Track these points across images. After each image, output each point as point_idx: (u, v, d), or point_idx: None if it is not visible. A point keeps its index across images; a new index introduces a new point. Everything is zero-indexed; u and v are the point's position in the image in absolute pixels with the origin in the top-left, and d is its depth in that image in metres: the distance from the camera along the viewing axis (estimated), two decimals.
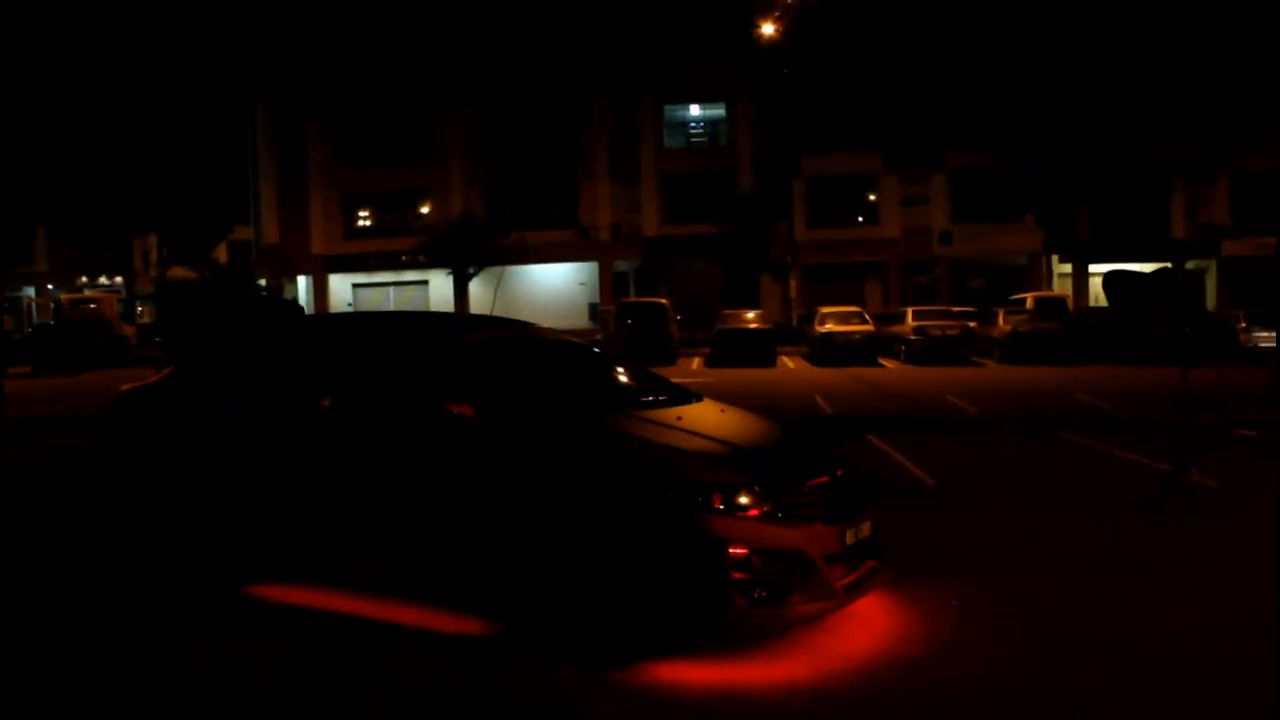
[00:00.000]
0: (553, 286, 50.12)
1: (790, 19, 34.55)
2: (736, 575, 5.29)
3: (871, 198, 49.43)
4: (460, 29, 45.52)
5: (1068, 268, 48.96)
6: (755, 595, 5.32)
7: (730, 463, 5.64)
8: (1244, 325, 32.88)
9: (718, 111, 50.29)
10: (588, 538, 5.47)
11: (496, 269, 47.65)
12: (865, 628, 5.97)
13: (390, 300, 50.89)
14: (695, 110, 50.78)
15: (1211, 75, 43.26)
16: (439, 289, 49.75)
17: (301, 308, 9.45)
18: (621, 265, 50.03)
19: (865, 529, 5.98)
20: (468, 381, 6.12)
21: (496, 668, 5.37)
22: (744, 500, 5.41)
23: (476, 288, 48.56)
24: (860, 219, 49.41)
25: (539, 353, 7.29)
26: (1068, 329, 30.77)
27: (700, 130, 51.11)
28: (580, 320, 47.84)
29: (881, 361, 30.14)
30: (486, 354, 6.62)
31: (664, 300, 32.62)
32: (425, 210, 50.59)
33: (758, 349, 29.74)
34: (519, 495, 5.67)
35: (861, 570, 5.85)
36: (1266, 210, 47.01)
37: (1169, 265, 37.88)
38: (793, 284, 41.16)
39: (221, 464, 6.82)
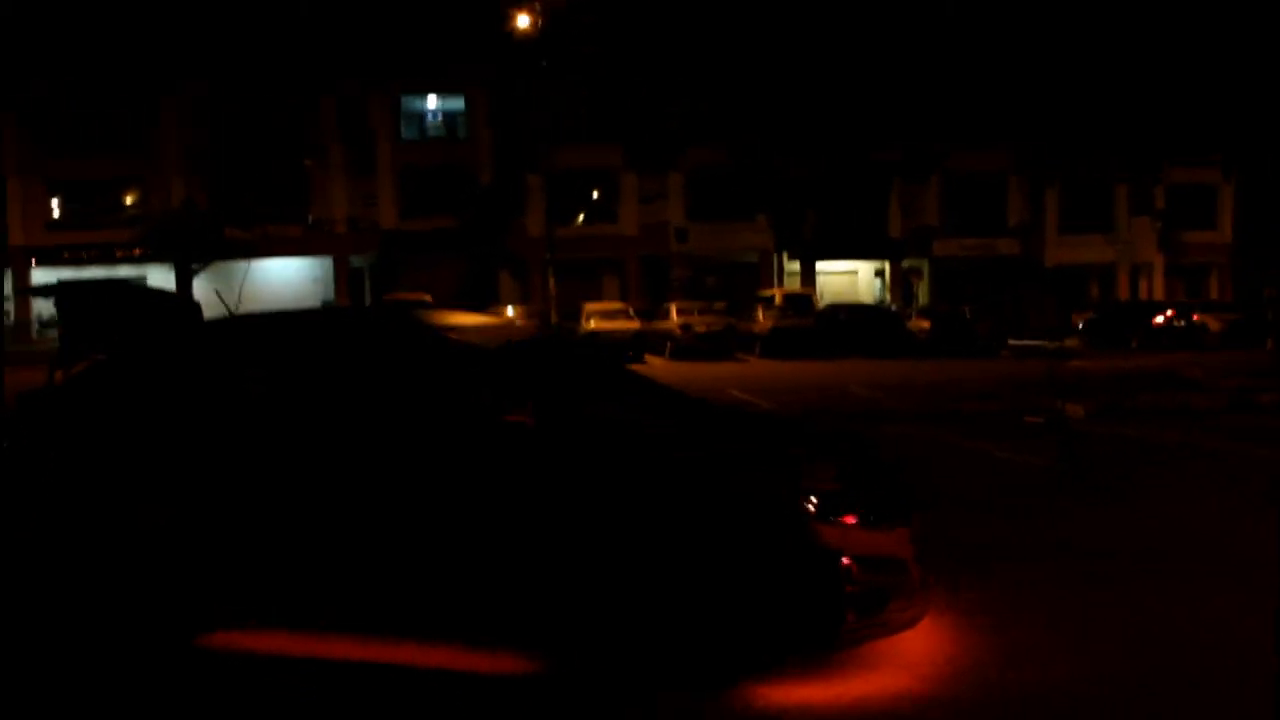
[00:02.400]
0: (285, 282, 47.40)
1: (540, 13, 34.11)
2: (848, 588, 4.83)
3: (609, 194, 49.67)
4: (183, 7, 42.32)
5: (796, 265, 50.97)
6: (862, 606, 4.89)
7: (820, 467, 5.16)
8: (970, 320, 35.04)
9: (457, 104, 49.15)
10: (666, 557, 4.84)
11: (225, 264, 44.53)
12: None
13: None
14: (433, 102, 49.42)
15: (925, 80, 46.14)
16: (159, 285, 46.04)
17: (198, 305, 7.99)
18: (357, 260, 48.07)
19: None
20: (523, 388, 5.30)
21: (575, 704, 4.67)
22: (844, 507, 4.96)
23: (201, 284, 45.25)
24: (599, 214, 49.52)
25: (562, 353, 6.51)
26: (821, 325, 31.89)
27: (439, 122, 49.79)
28: None
29: (647, 359, 30.20)
30: (534, 357, 5.82)
31: (428, 297, 31.48)
32: (140, 200, 46.72)
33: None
34: (586, 513, 4.94)
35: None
36: (969, 213, 50.75)
37: None
38: (550, 281, 40.73)
39: (188, 485, 5.57)
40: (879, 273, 52.77)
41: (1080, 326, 37.90)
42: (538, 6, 33.59)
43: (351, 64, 44.52)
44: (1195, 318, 36.09)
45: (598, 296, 45.95)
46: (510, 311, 31.73)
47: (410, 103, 48.88)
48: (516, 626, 5.11)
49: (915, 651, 5.31)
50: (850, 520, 4.97)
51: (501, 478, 5.06)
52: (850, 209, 49.98)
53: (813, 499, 4.92)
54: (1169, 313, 37.30)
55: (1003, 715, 4.73)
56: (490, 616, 5.13)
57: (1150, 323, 35.93)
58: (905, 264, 51.48)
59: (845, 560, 4.87)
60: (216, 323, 6.47)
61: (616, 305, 33.06)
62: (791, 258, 50.91)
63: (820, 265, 51.10)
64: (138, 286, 6.84)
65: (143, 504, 5.52)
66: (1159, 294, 49.80)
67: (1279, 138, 46.56)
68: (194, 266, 44.25)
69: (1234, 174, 50.59)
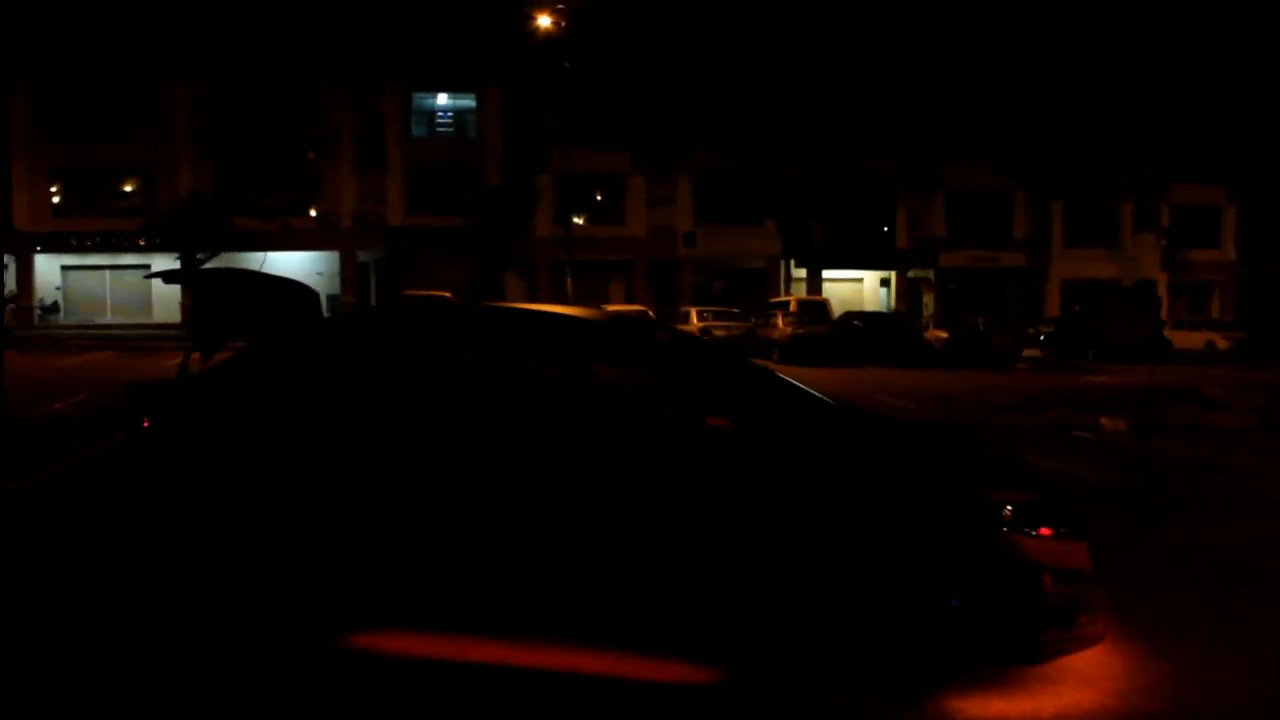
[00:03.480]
0: (290, 276, 47.17)
1: (560, 13, 34.04)
2: (1049, 601, 4.76)
3: (617, 197, 49.62)
4: None
5: (803, 272, 51.03)
6: (1059, 620, 4.83)
7: (1014, 479, 5.10)
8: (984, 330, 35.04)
9: (468, 102, 49.03)
10: (867, 567, 4.76)
11: (231, 255, 44.28)
12: None
13: (107, 285, 46.40)
14: (444, 100, 49.28)
15: (931, 97, 46.28)
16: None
17: (316, 293, 7.90)
18: (364, 256, 47.90)
19: None
20: (722, 390, 5.22)
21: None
22: (1039, 519, 4.90)
23: None
24: (608, 217, 49.47)
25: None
26: (839, 332, 31.85)
27: (449, 120, 49.65)
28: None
29: None
30: (721, 357, 5.75)
31: (448, 294, 31.35)
32: (147, 188, 46.40)
33: None
34: (783, 520, 4.85)
35: None
36: (975, 226, 50.94)
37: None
38: (568, 282, 40.67)
39: (345, 481, 5.45)
40: (884, 282, 52.86)
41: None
42: (559, 6, 33.45)
43: (364, 58, 44.33)
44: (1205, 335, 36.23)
45: (604, 299, 45.91)
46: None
47: (421, 99, 48.75)
48: (700, 634, 5.01)
49: (1094, 667, 5.23)
50: (1046, 532, 4.90)
51: (702, 482, 4.97)
52: (857, 218, 50.11)
53: (1008, 509, 4.86)
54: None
55: None
56: (673, 622, 5.03)
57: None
58: (912, 274, 51.62)
59: (1045, 574, 4.80)
60: (394, 310, 6.37)
61: (637, 307, 32.97)
62: (798, 265, 50.97)
63: (826, 273, 51.18)
64: (264, 275, 6.71)
65: (294, 499, 5.40)
66: (1163, 311, 49.94)
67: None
68: (199, 256, 43.97)
69: (1238, 194, 50.82)
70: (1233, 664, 5.44)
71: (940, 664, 4.81)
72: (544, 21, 33.77)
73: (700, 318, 31.82)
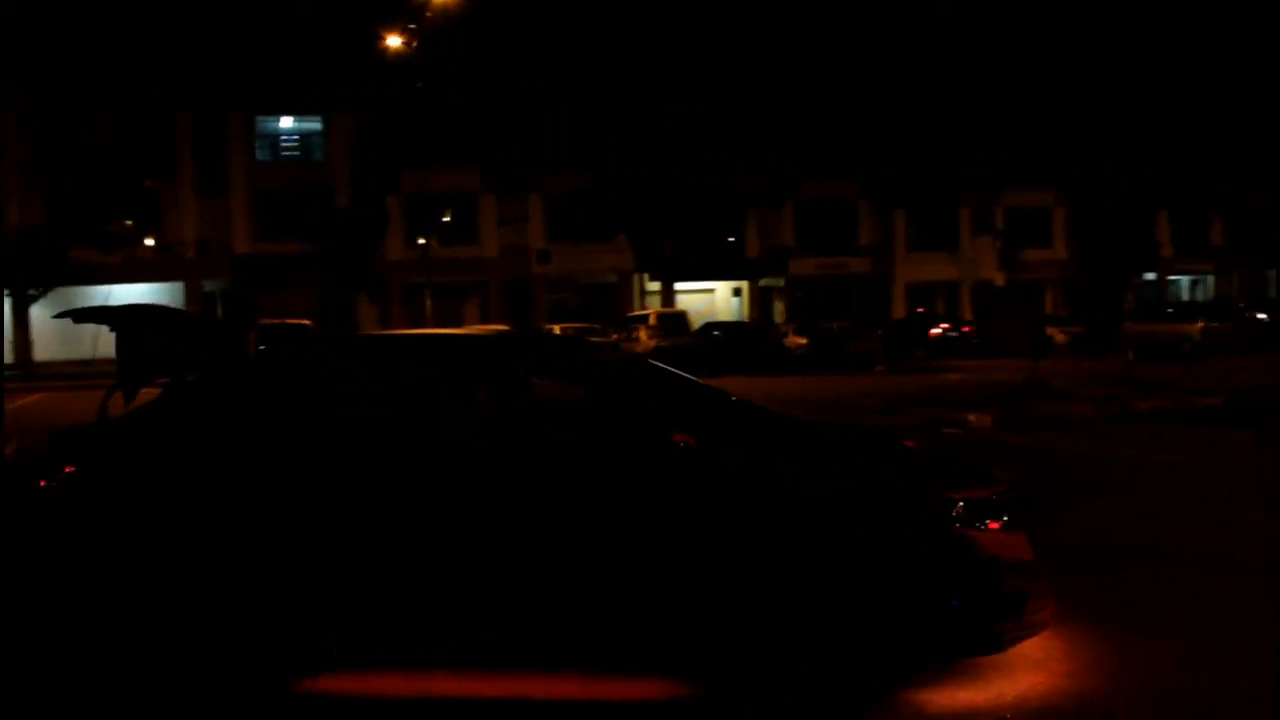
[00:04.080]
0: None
1: (410, 34, 33.68)
2: (1005, 592, 4.96)
3: (469, 216, 49.24)
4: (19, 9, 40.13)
5: (656, 285, 51.51)
6: (1014, 609, 5.03)
7: (960, 476, 5.29)
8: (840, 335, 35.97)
9: (314, 125, 48.03)
10: (832, 571, 4.88)
11: (67, 290, 42.29)
12: None
13: None
14: (289, 123, 48.17)
15: (779, 109, 47.41)
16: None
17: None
18: (209, 285, 46.39)
19: None
20: (686, 406, 5.26)
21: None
22: (989, 512, 5.10)
23: (38, 312, 42.86)
24: (460, 238, 48.99)
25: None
26: (700, 342, 32.30)
27: (294, 144, 48.54)
28: None
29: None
30: (674, 375, 5.78)
31: (307, 322, 30.65)
32: None
33: None
34: (751, 529, 4.93)
35: None
36: (823, 234, 52.32)
37: None
38: (428, 304, 40.13)
39: (297, 518, 5.32)
40: (736, 291, 53.75)
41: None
42: (409, 27, 33.13)
43: (205, 80, 43.01)
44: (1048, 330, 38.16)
45: (459, 320, 45.57)
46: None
47: (265, 123, 47.55)
48: (668, 648, 5.05)
49: (1037, 652, 5.46)
50: (995, 526, 5.10)
51: (674, 498, 5.01)
52: (708, 230, 50.80)
53: (960, 506, 5.04)
54: (945, 326, 42.10)
55: (1159, 708, 4.92)
56: (639, 639, 5.07)
57: (928, 335, 38.50)
58: (763, 283, 52.65)
59: (995, 565, 5.00)
60: (334, 341, 6.21)
61: (502, 327, 32.68)
62: (652, 278, 51.43)
63: (679, 285, 51.79)
64: (176, 311, 6.36)
65: (247, 539, 5.26)
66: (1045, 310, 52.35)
67: (1105, 162, 49.55)
68: (31, 293, 41.87)
69: (1066, 197, 53.40)
70: (1154, 639, 5.76)
71: (905, 659, 4.96)
72: (394, 42, 33.34)
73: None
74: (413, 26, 32.01)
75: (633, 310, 47.77)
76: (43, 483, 5.64)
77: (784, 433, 5.60)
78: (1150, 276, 54.97)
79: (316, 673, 5.24)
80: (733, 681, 4.97)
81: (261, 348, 24.98)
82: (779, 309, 52.99)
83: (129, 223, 44.46)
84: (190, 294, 45.71)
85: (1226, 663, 5.40)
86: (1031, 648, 5.48)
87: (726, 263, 51.95)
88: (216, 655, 5.28)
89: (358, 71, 42.44)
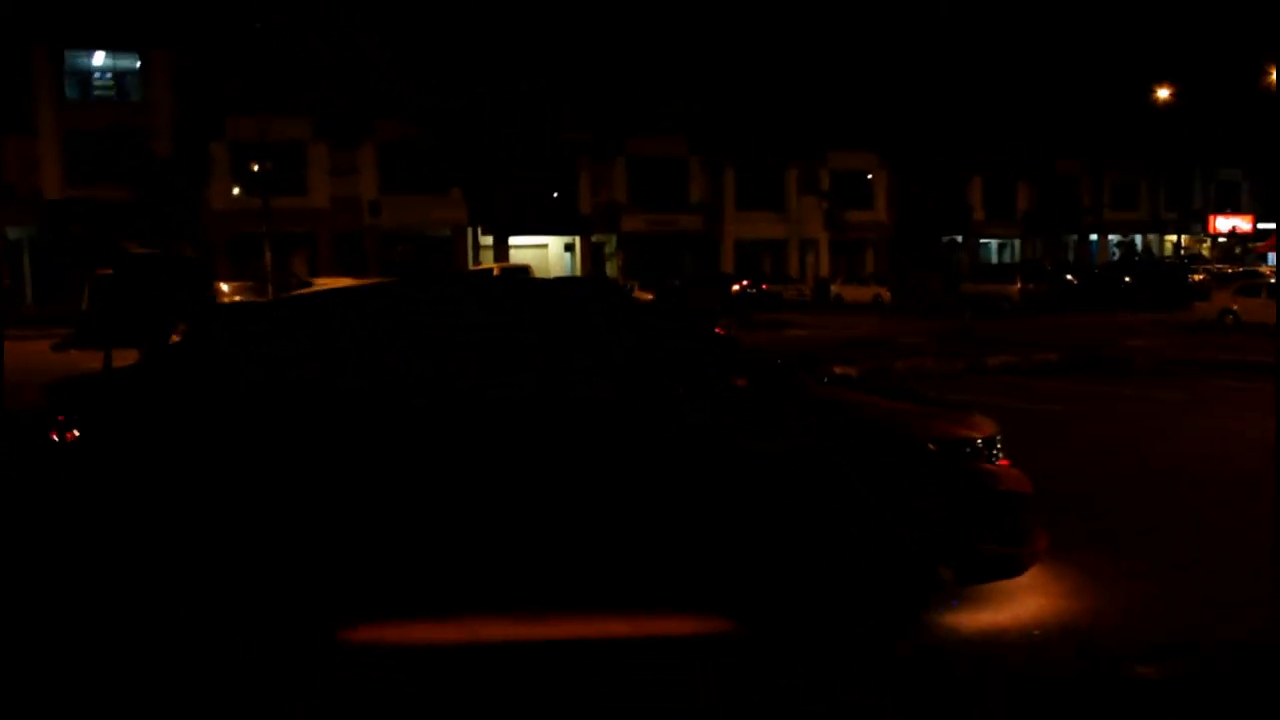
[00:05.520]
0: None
1: None
2: (1020, 522, 5.41)
3: (298, 166, 47.68)
4: None
5: (490, 239, 51.11)
6: (1028, 538, 5.48)
7: (972, 416, 5.69)
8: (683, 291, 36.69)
9: (130, 63, 45.45)
10: (872, 505, 5.20)
11: None
12: None
13: None
14: (102, 59, 45.43)
15: (612, 67, 47.59)
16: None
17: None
18: (15, 233, 43.61)
19: None
20: (729, 350, 5.43)
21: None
22: (998, 450, 5.52)
23: None
24: (289, 188, 47.32)
25: None
26: None
27: (108, 82, 45.83)
28: None
29: None
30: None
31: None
32: None
33: None
34: (802, 467, 5.18)
35: None
36: (654, 191, 52.92)
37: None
38: (267, 255, 38.70)
39: (332, 470, 5.23)
40: (568, 247, 53.82)
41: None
42: None
43: (10, 11, 40.17)
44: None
45: (289, 273, 44.21)
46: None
47: (75, 58, 44.71)
48: (713, 584, 5.25)
49: (1026, 580, 5.93)
50: (1005, 463, 5.53)
51: (736, 439, 5.17)
52: (542, 185, 50.64)
53: (978, 443, 5.44)
54: (744, 283, 43.43)
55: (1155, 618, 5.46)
56: (685, 577, 5.24)
57: (730, 291, 40.45)
58: (595, 239, 52.89)
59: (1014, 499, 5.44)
60: (340, 293, 6.11)
61: (348, 280, 31.93)
62: (485, 233, 50.96)
63: (512, 240, 51.53)
64: (171, 256, 5.97)
65: (281, 491, 5.20)
66: (825, 268, 53.95)
67: (926, 128, 51.65)
68: None
69: (888, 160, 55.41)
70: (1122, 561, 6.36)
71: (931, 586, 5.33)
72: None
73: None
74: None
75: (468, 265, 47.41)
76: (54, 435, 5.42)
77: (810, 379, 5.88)
78: (960, 239, 57.69)
79: (361, 622, 5.24)
80: (776, 615, 5.23)
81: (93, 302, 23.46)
82: (611, 266, 53.34)
83: None
84: None
85: (1186, 575, 6.02)
86: (1023, 578, 5.96)
87: (559, 218, 51.92)
88: (260, 607, 5.21)
89: (180, 6, 40.51)
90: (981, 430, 5.57)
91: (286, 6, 41.45)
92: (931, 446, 5.34)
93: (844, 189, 54.80)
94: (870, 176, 56.30)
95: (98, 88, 45.70)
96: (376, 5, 43.16)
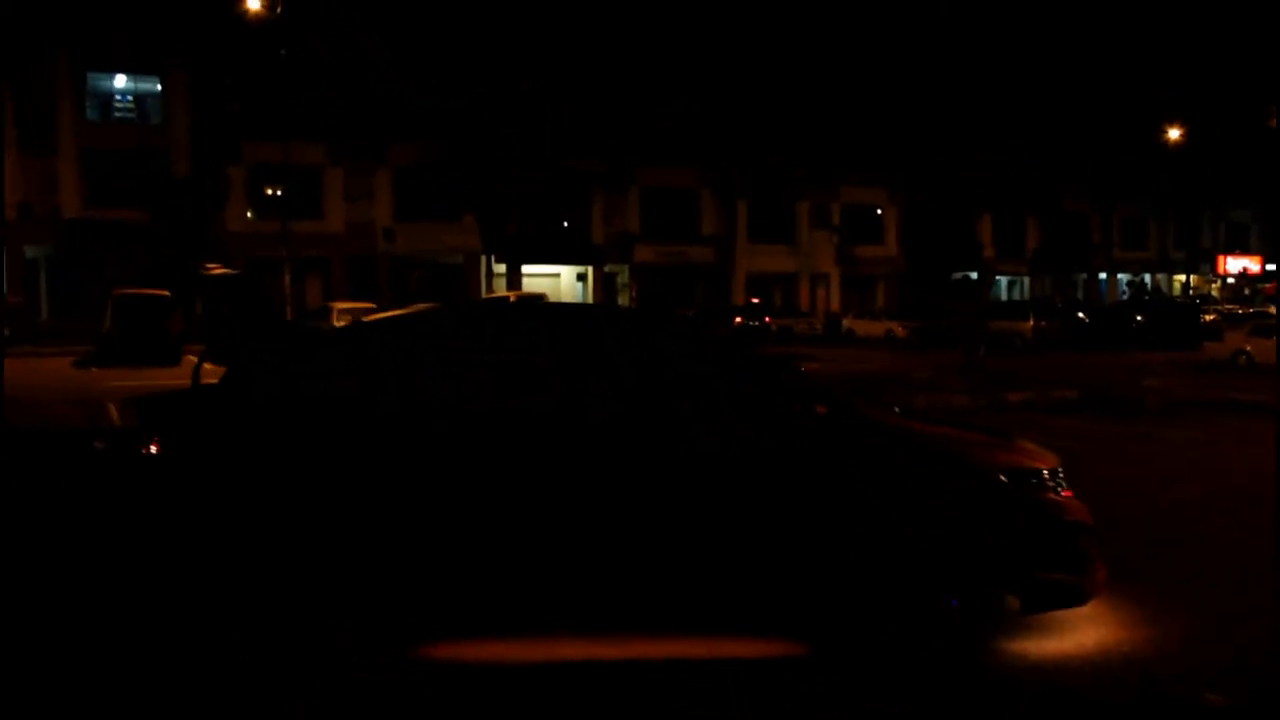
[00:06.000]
0: None
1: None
2: (1086, 552, 5.53)
3: (314, 190, 48.02)
4: None
5: (503, 268, 51.34)
6: (1091, 568, 5.61)
7: (1034, 449, 5.83)
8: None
9: (151, 85, 45.87)
10: (945, 535, 5.34)
11: None
12: None
13: None
14: (123, 81, 45.86)
15: (627, 98, 47.97)
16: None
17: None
18: (32, 252, 43.88)
19: None
20: (804, 380, 5.58)
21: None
22: (1061, 481, 5.66)
23: None
24: (304, 212, 47.62)
25: None
26: None
27: (129, 104, 46.25)
28: None
29: None
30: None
31: (166, 292, 29.38)
32: None
33: None
34: (873, 496, 5.33)
35: None
36: (667, 222, 53.23)
37: None
38: (286, 279, 38.95)
39: (419, 490, 5.36)
40: (581, 277, 54.08)
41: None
42: None
43: (29, 30, 40.54)
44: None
45: (301, 295, 44.51)
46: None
47: (97, 80, 45.13)
48: (787, 608, 5.39)
49: (1078, 611, 6.04)
50: (1068, 494, 5.66)
51: (817, 467, 5.33)
52: (555, 214, 50.98)
53: (1045, 475, 5.57)
54: (739, 319, 44.36)
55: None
56: (762, 600, 5.39)
57: (734, 323, 41.86)
58: (608, 269, 53.14)
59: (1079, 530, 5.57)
60: (451, 312, 6.26)
61: (365, 305, 32.23)
62: (498, 260, 51.20)
63: (525, 268, 51.78)
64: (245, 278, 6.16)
65: (358, 507, 5.34)
66: (835, 302, 54.13)
67: (936, 164, 51.98)
68: None
69: (898, 196, 55.73)
70: (1178, 598, 6.47)
71: (1000, 615, 5.47)
72: (254, 4, 32.27)
73: None
74: None
75: (480, 292, 47.62)
76: (143, 449, 5.57)
77: (884, 413, 6.03)
78: (973, 276, 57.93)
79: (436, 640, 5.34)
80: (846, 640, 5.37)
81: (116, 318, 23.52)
82: (623, 297, 53.57)
83: None
84: (12, 259, 43.12)
85: (1241, 603, 6.14)
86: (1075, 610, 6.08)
87: (572, 247, 52.22)
88: (335, 622, 5.32)
89: (202, 29, 40.93)
90: (1047, 462, 5.71)
91: (303, 32, 41.83)
92: (1003, 478, 5.46)
93: (855, 223, 55.12)
94: (880, 211, 56.63)
95: (118, 109, 46.11)
96: (393, 30, 43.59)
